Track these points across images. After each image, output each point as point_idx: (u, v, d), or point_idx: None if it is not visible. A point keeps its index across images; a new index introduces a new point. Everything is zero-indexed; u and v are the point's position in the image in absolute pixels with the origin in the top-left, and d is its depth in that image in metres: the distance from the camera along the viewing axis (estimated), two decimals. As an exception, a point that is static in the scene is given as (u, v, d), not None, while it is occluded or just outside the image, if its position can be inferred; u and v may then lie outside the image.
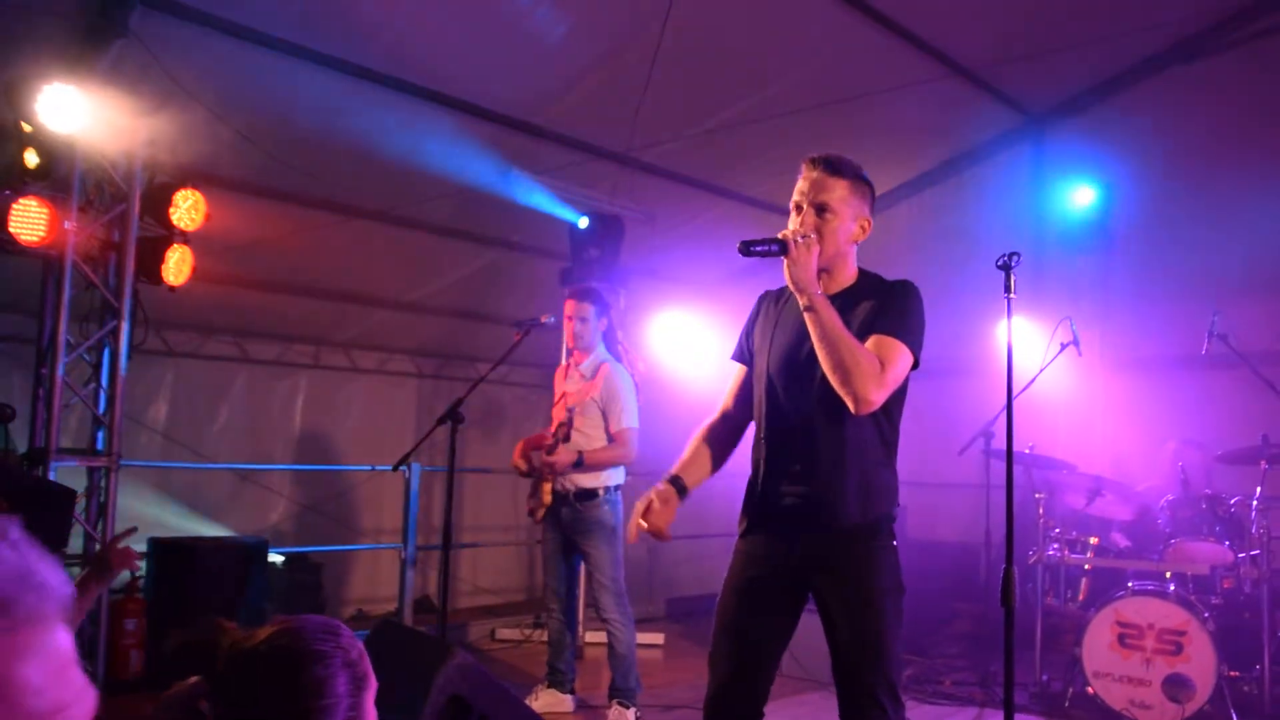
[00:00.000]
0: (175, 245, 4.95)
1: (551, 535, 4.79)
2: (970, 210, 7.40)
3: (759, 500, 2.61)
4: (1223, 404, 5.78)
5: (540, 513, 4.77)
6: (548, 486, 4.69)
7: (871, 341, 2.43)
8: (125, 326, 4.90)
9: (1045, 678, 5.03)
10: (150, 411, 6.64)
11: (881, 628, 2.44)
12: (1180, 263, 6.20)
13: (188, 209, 4.94)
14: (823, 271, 2.53)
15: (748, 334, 2.79)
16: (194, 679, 1.37)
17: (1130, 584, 4.72)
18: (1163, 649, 4.46)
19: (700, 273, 7.79)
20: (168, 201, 4.89)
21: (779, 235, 2.42)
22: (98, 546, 4.81)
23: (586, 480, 4.66)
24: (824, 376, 2.42)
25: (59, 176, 4.57)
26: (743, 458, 2.75)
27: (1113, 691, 4.56)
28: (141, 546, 5.25)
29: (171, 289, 4.99)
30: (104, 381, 4.98)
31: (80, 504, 4.75)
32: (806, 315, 2.39)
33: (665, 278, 7.74)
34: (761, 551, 2.60)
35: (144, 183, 4.91)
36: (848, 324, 2.42)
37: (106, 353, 4.98)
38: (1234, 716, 4.35)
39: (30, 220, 4.42)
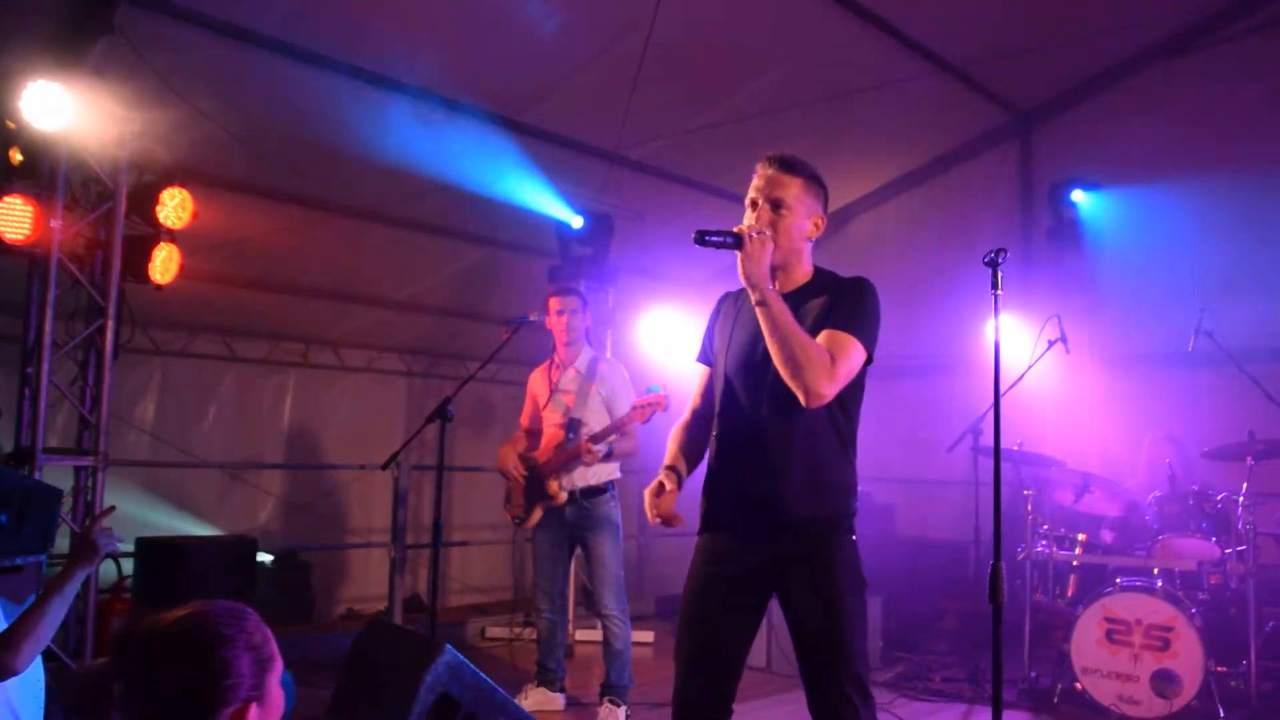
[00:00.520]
0: (162, 244, 4.93)
1: (548, 534, 4.76)
2: (958, 208, 7.42)
3: (716, 497, 2.64)
4: (1209, 401, 5.81)
5: (537, 516, 4.72)
6: (556, 485, 4.65)
7: (823, 336, 2.46)
8: (111, 325, 4.87)
9: (1034, 674, 5.05)
10: (138, 411, 6.61)
11: (846, 624, 2.47)
12: (1167, 260, 6.22)
13: (175, 207, 4.91)
14: (778, 268, 2.57)
15: (709, 334, 2.82)
16: (102, 659, 1.43)
17: (1118, 580, 4.74)
18: (1150, 645, 4.48)
19: (689, 270, 7.79)
20: (154, 200, 4.87)
21: (735, 230, 2.45)
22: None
23: (593, 476, 4.65)
24: (777, 375, 2.44)
25: (44, 174, 4.54)
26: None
27: (1101, 687, 4.58)
28: (129, 546, 5.22)
29: (158, 287, 4.96)
30: (90, 380, 4.95)
31: (67, 503, 4.72)
32: (758, 310, 2.42)
33: (655, 275, 7.73)
34: (721, 548, 2.62)
35: (130, 181, 4.88)
36: (801, 320, 2.44)
37: (93, 352, 4.95)
38: (1221, 711, 4.38)
39: (15, 218, 4.39)
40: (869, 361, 2.52)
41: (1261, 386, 4.97)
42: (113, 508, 2.73)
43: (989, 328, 2.72)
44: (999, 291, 2.61)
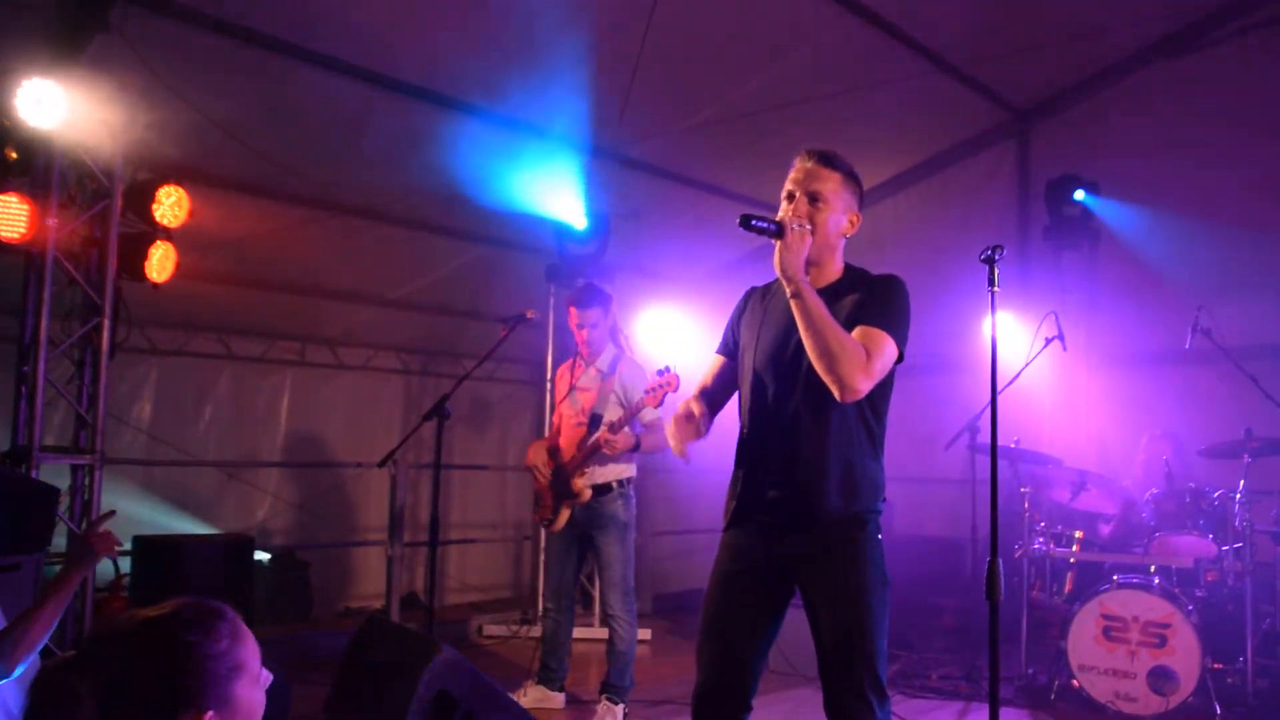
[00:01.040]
0: (158, 242, 4.91)
1: (560, 533, 4.74)
2: (956, 206, 7.42)
3: (743, 494, 2.61)
4: (1206, 399, 5.81)
5: (565, 517, 4.66)
6: (581, 483, 4.60)
7: (857, 332, 2.44)
8: (108, 324, 4.86)
9: (1031, 671, 5.06)
10: (135, 409, 6.60)
11: (868, 623, 2.45)
12: (1165, 258, 6.23)
13: (171, 205, 4.90)
14: (811, 263, 2.54)
15: (733, 328, 2.80)
16: (69, 654, 1.41)
17: (1115, 577, 4.75)
18: (1147, 642, 4.49)
19: (686, 268, 7.79)
20: (151, 198, 4.86)
21: (778, 218, 2.45)
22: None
23: (601, 474, 4.63)
24: (809, 370, 2.43)
25: (39, 172, 4.53)
26: (723, 454, 2.75)
27: (1098, 684, 4.59)
28: (126, 545, 5.22)
29: (155, 286, 4.95)
30: (87, 379, 4.94)
31: (64, 502, 4.72)
32: (793, 302, 2.40)
33: (651, 273, 7.73)
34: (746, 545, 2.60)
35: (126, 179, 4.87)
36: (833, 316, 2.43)
37: (89, 350, 4.94)
38: (1217, 708, 4.39)
39: (10, 216, 4.38)
40: (900, 359, 2.51)
41: (1259, 384, 4.98)
42: (112, 512, 2.72)
43: (986, 325, 2.72)
44: (996, 289, 2.61)
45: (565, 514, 4.67)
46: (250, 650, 1.46)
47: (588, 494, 4.59)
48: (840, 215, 2.59)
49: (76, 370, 4.98)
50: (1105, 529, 5.33)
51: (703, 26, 5.50)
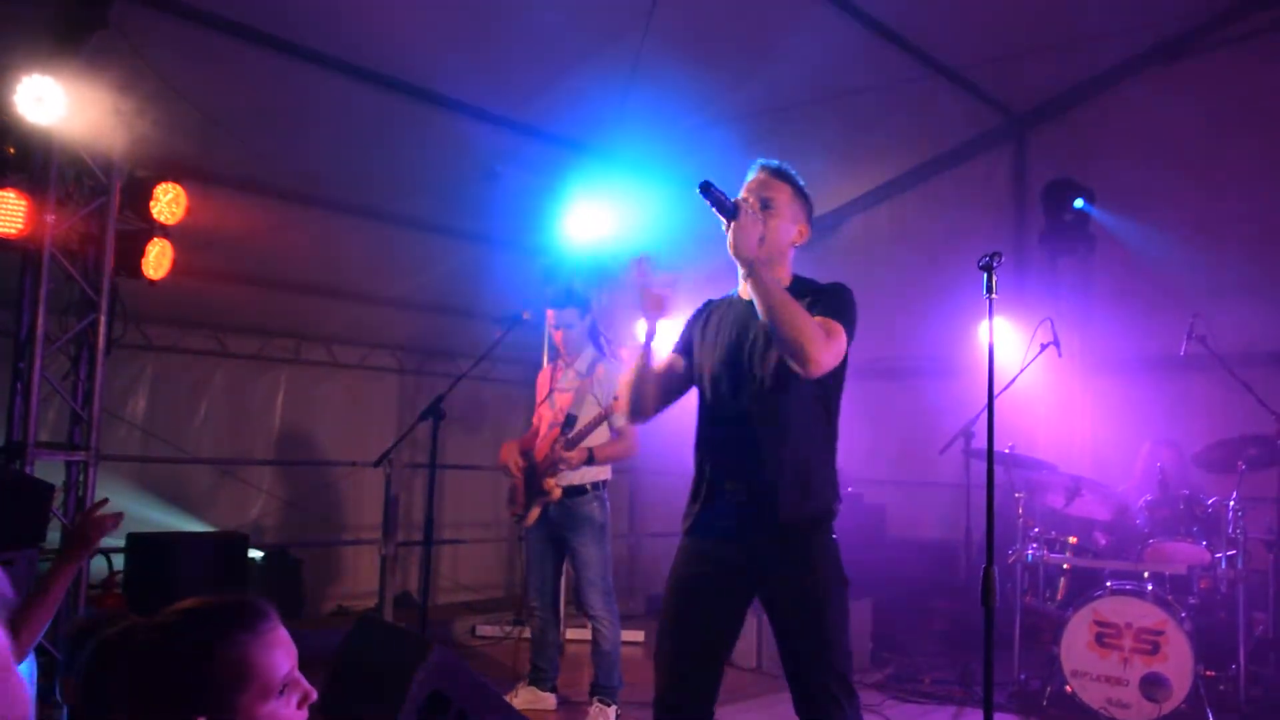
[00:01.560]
0: (155, 239, 4.90)
1: (537, 533, 4.76)
2: (952, 210, 7.43)
3: (702, 498, 2.66)
4: (1201, 405, 5.83)
5: (536, 514, 4.70)
6: (552, 482, 4.63)
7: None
8: (104, 320, 4.85)
9: (1023, 676, 5.06)
10: (129, 405, 6.59)
11: (829, 622, 2.49)
12: (1160, 264, 6.25)
13: (168, 203, 4.89)
14: None
15: (689, 331, 2.87)
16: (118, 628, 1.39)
17: (1108, 584, 4.75)
18: (1140, 648, 4.50)
19: (683, 269, 7.77)
20: (148, 195, 4.85)
21: (736, 199, 2.52)
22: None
23: (575, 476, 4.64)
24: (764, 376, 2.52)
25: (37, 168, 4.52)
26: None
27: (1090, 690, 4.59)
28: (120, 542, 5.21)
29: (151, 283, 4.94)
30: (83, 375, 4.93)
31: (58, 498, 4.70)
32: (749, 282, 2.48)
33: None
34: (704, 550, 2.65)
35: (124, 175, 4.86)
36: None
37: (85, 347, 4.93)
38: (1210, 715, 4.39)
39: (8, 212, 4.37)
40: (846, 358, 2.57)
41: (1253, 392, 4.99)
42: (105, 500, 2.72)
43: (982, 330, 2.73)
44: (993, 296, 2.61)
45: (536, 511, 4.70)
46: (271, 661, 1.36)
47: (557, 493, 4.61)
48: (790, 224, 2.69)
49: (72, 366, 4.97)
50: (1099, 535, 5.34)
51: (700, 30, 5.50)
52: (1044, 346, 5.30)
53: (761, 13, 5.50)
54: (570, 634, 6.35)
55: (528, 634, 5.00)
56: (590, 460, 4.56)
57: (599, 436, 4.61)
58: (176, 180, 4.94)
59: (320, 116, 5.46)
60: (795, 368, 2.42)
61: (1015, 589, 5.12)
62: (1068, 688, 4.69)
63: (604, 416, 4.51)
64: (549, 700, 4.82)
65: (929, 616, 6.50)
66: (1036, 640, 5.49)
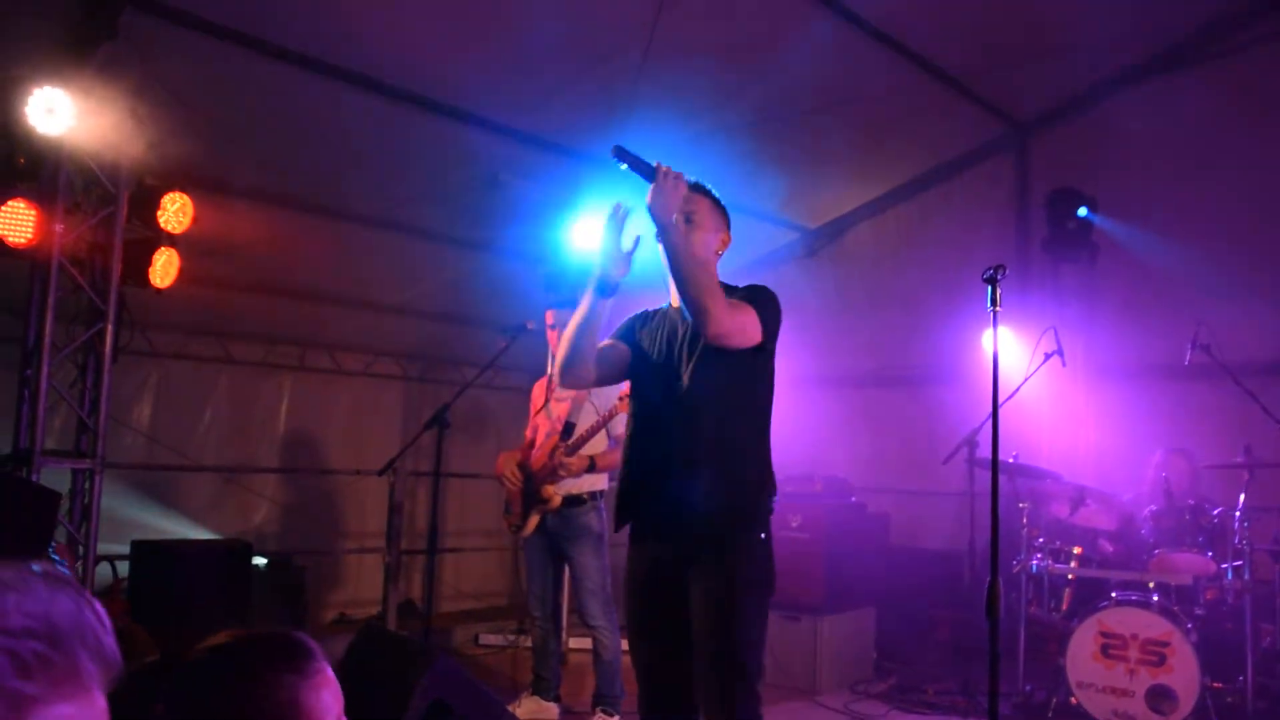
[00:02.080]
0: (162, 248, 4.93)
1: (536, 543, 4.76)
2: (954, 218, 7.42)
3: (628, 498, 2.74)
4: (1206, 415, 5.81)
5: (534, 524, 4.70)
6: (552, 489, 4.63)
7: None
8: (111, 329, 4.87)
9: (1028, 688, 5.05)
10: (134, 412, 6.61)
11: (735, 623, 2.52)
12: (1164, 272, 6.24)
13: (175, 212, 4.92)
14: None
15: (631, 324, 2.93)
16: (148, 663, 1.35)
17: (1114, 594, 4.74)
18: (1146, 660, 4.48)
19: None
20: (155, 204, 4.88)
21: (654, 163, 2.61)
22: (80, 548, 4.78)
23: (573, 485, 4.65)
24: (690, 378, 2.60)
25: (46, 178, 4.55)
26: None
27: (1096, 702, 4.57)
28: (125, 548, 5.22)
29: (158, 291, 4.97)
30: (89, 383, 4.95)
31: (63, 506, 4.72)
32: (659, 241, 2.58)
33: (648, 282, 7.72)
34: (644, 554, 2.72)
35: (131, 185, 4.89)
36: None
37: (92, 355, 4.95)
38: (1216, 727, 4.37)
39: (17, 222, 4.40)
40: (764, 350, 2.64)
41: (1258, 401, 4.98)
42: None
43: (986, 338, 2.74)
44: (997, 308, 2.62)
45: (534, 520, 4.70)
46: (320, 704, 1.32)
47: (557, 500, 4.62)
48: (713, 234, 2.80)
49: (79, 374, 4.98)
50: (1104, 545, 5.33)
51: (702, 40, 5.51)
52: (1048, 356, 5.29)
53: (765, 21, 5.51)
54: (572, 643, 6.35)
55: (530, 643, 5.01)
56: (592, 468, 4.56)
57: (598, 445, 4.61)
58: (184, 189, 4.97)
59: (325, 126, 5.48)
60: (699, 324, 2.51)
61: (1020, 599, 5.11)
62: (1073, 699, 4.67)
63: (602, 424, 4.52)
64: (552, 710, 4.82)
65: (933, 626, 6.49)
66: (1041, 651, 5.48)
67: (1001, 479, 2.73)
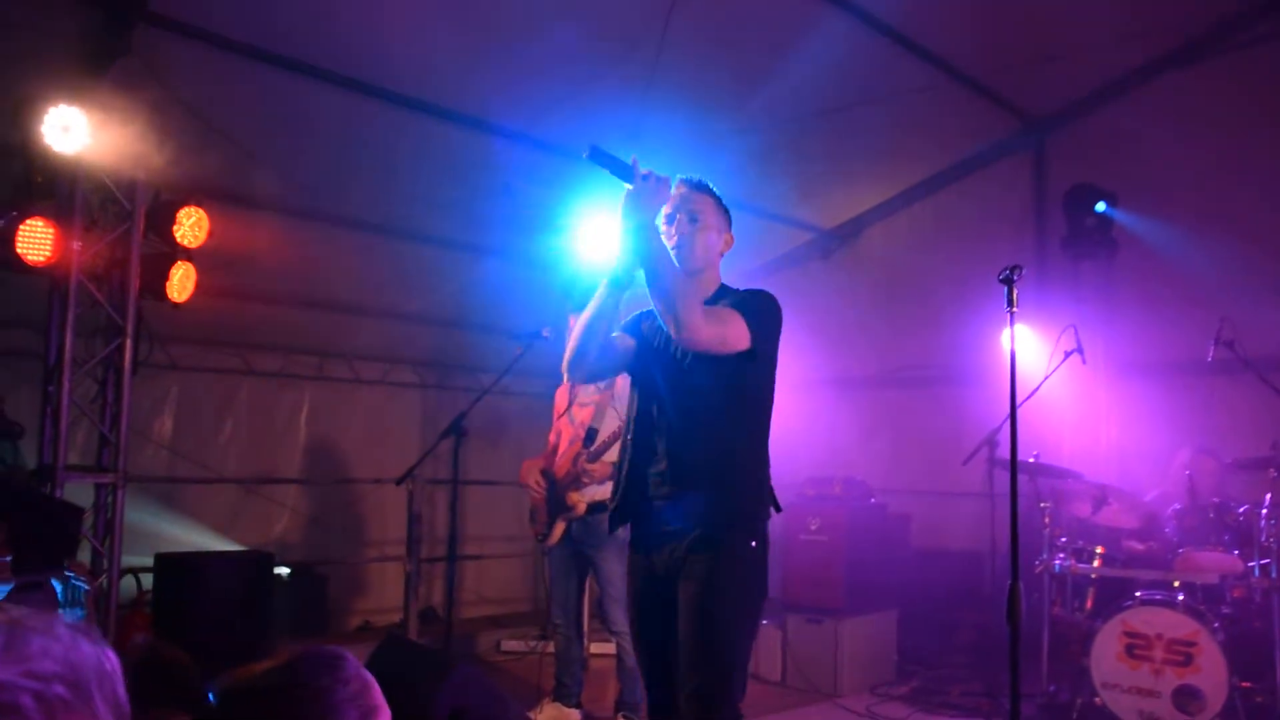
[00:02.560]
0: (179, 262, 4.97)
1: (560, 550, 4.75)
2: (972, 217, 7.38)
3: (627, 504, 2.74)
4: (1230, 411, 5.75)
5: (559, 532, 4.69)
6: (576, 496, 4.62)
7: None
8: (130, 344, 4.92)
9: (1053, 688, 5.00)
10: (155, 425, 6.66)
11: (716, 632, 2.50)
12: (1185, 269, 6.17)
13: (191, 226, 4.96)
14: (693, 275, 2.69)
15: (638, 320, 2.88)
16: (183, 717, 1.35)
17: (1138, 594, 4.69)
18: (1172, 660, 4.43)
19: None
20: (172, 219, 4.91)
21: (630, 160, 2.54)
22: (105, 562, 4.82)
23: (598, 492, 4.64)
24: (685, 380, 2.59)
25: (63, 196, 4.59)
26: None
27: (1122, 703, 4.53)
28: (148, 561, 5.26)
29: (175, 305, 5.00)
30: (110, 398, 5.00)
31: (87, 520, 4.76)
32: (635, 244, 2.50)
33: None
34: (639, 563, 2.74)
35: (148, 201, 4.93)
36: None
37: (112, 370, 5.00)
38: (1246, 728, 4.32)
39: (36, 240, 4.44)
40: (754, 354, 2.56)
41: (1283, 397, 4.92)
42: None
43: (1003, 337, 2.71)
44: (1014, 309, 2.60)
45: (560, 529, 4.69)
46: (379, 696, 1.36)
47: (582, 507, 4.60)
48: (717, 234, 2.77)
49: (100, 389, 5.03)
50: (1127, 544, 5.27)
51: (715, 42, 5.51)
52: (1068, 354, 5.24)
53: (777, 22, 5.50)
54: (594, 649, 6.35)
55: (553, 649, 5.00)
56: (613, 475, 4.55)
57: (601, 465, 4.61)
58: (199, 203, 5.00)
59: (339, 136, 5.51)
60: (671, 330, 2.46)
61: (1043, 599, 5.06)
62: (1098, 700, 4.62)
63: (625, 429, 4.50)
64: (574, 716, 4.81)
65: (955, 628, 6.45)
66: (1065, 651, 5.42)
67: (1022, 479, 2.71)
